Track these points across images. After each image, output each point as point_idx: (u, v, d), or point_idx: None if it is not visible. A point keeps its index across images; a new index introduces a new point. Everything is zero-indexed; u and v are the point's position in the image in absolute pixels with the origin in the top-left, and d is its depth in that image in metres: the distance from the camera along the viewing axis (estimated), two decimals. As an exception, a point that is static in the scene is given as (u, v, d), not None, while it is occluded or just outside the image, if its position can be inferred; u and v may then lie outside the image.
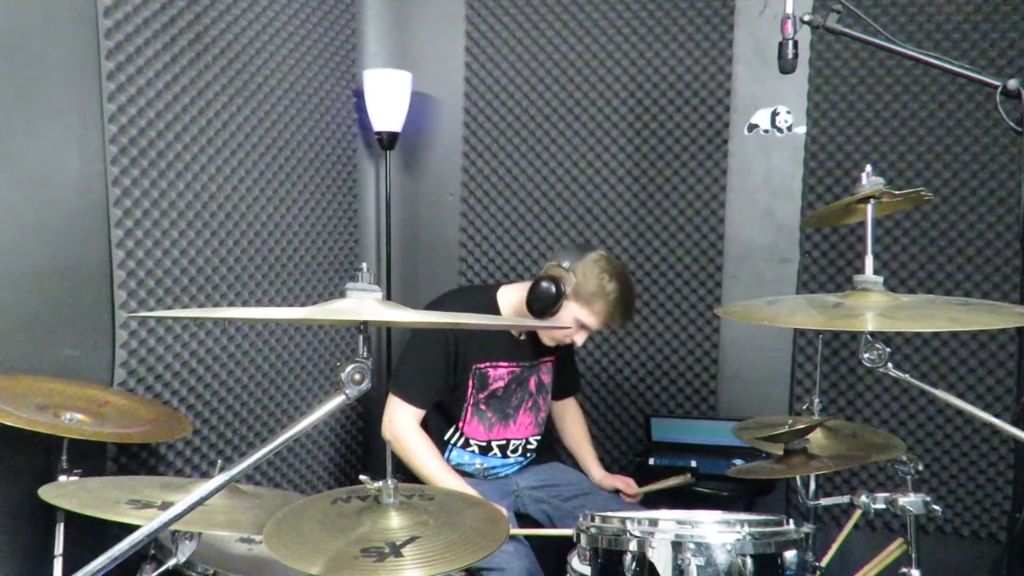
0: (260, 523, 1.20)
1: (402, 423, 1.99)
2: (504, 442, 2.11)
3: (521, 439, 2.13)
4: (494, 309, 2.04)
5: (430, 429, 2.08)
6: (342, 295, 1.02)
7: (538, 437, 2.18)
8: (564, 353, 2.22)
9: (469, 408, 2.05)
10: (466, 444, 2.09)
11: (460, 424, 2.06)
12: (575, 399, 2.38)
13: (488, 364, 2.02)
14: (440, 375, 1.99)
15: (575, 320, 1.93)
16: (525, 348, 2.06)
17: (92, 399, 1.67)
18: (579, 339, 2.00)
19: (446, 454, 2.08)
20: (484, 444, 2.09)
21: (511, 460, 2.14)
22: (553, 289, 1.88)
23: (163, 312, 0.93)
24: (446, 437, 2.09)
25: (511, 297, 2.05)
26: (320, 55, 2.48)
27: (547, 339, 2.03)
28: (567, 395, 2.33)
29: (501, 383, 2.05)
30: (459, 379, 2.02)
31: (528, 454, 2.17)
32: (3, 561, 1.64)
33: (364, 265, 1.02)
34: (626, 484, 2.16)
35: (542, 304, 1.90)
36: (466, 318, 1.19)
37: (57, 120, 1.73)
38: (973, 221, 2.34)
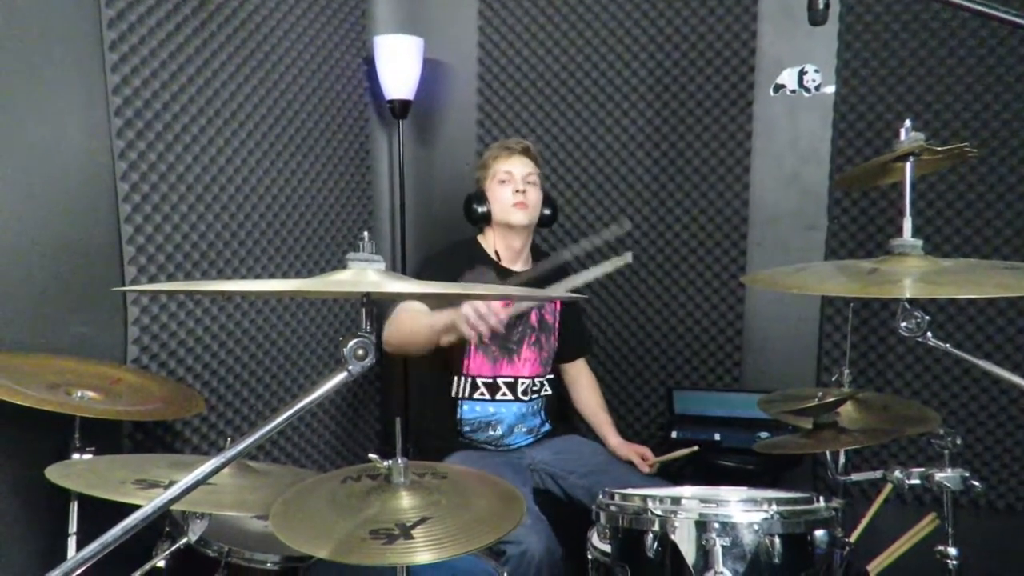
0: (268, 503, 1.17)
1: (396, 312, 2.05)
2: (512, 380, 2.11)
3: (528, 378, 2.13)
4: (480, 250, 2.18)
5: (436, 390, 2.08)
6: (343, 266, 0.97)
7: (545, 380, 2.17)
8: (569, 305, 2.25)
9: (472, 343, 2.04)
10: (474, 389, 2.08)
11: (464, 364, 2.07)
12: (587, 364, 2.34)
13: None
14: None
15: (498, 179, 2.12)
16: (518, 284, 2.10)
17: (104, 376, 1.65)
18: (519, 185, 2.10)
19: (457, 413, 2.07)
20: (490, 381, 2.08)
21: (525, 403, 2.12)
22: (472, 199, 2.14)
23: (155, 286, 0.90)
24: (453, 392, 2.08)
25: (485, 240, 2.20)
26: (329, 21, 2.41)
27: (513, 216, 2.10)
28: (577, 355, 2.30)
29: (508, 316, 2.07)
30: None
31: (538, 400, 2.15)
32: (19, 539, 1.64)
33: (365, 234, 0.96)
34: (642, 454, 2.11)
35: (475, 211, 2.14)
36: (471, 288, 1.14)
37: (59, 93, 1.69)
38: (1013, 183, 2.23)
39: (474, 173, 2.23)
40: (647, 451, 2.12)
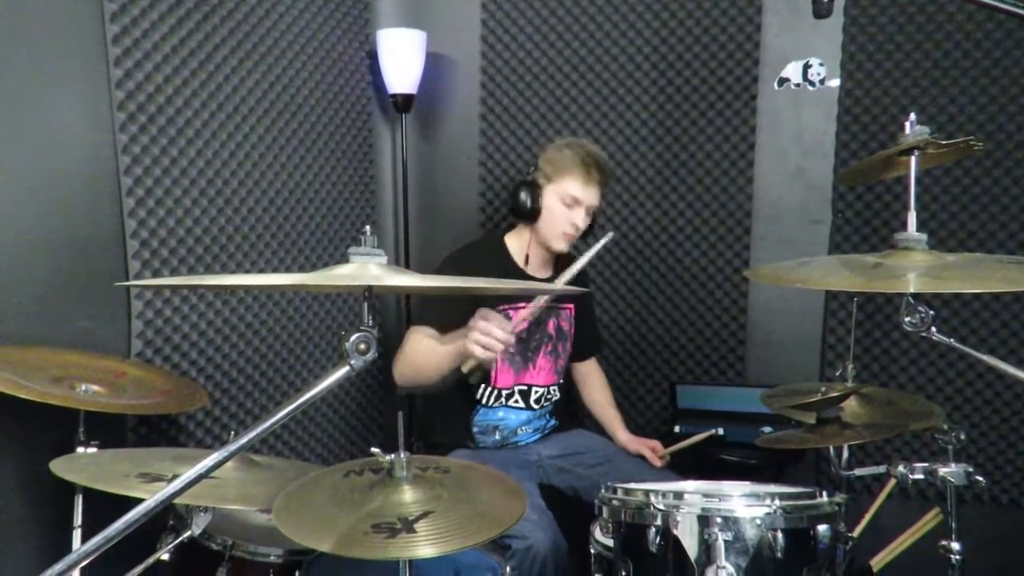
0: (272, 496, 1.18)
1: (404, 344, 1.93)
2: (526, 388, 2.09)
3: (542, 387, 2.11)
4: (504, 254, 2.07)
5: (460, 390, 2.05)
6: (346, 260, 0.97)
7: (557, 387, 2.16)
8: (582, 309, 2.21)
9: (488, 365, 2.00)
10: (496, 397, 2.07)
11: (492, 376, 2.04)
12: (597, 362, 2.33)
13: (509, 307, 2.02)
14: (460, 309, 1.86)
15: (562, 199, 1.97)
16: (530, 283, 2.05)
17: (108, 370, 1.65)
18: (579, 219, 1.99)
19: (473, 415, 2.06)
20: (508, 391, 2.07)
21: (535, 411, 2.11)
22: (525, 189, 1.98)
23: (159, 281, 0.90)
24: (477, 395, 2.06)
25: (516, 240, 2.09)
26: (332, 15, 2.41)
27: (555, 242, 2.02)
28: (588, 355, 2.30)
29: (524, 325, 2.03)
30: None
31: (548, 405, 2.14)
32: (24, 532, 1.64)
33: (367, 228, 0.96)
34: (652, 448, 2.11)
35: (523, 205, 1.98)
36: (477, 282, 1.14)
37: (62, 87, 1.69)
38: (1019, 177, 2.22)
39: (541, 167, 2.02)
40: (657, 444, 2.11)
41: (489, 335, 1.66)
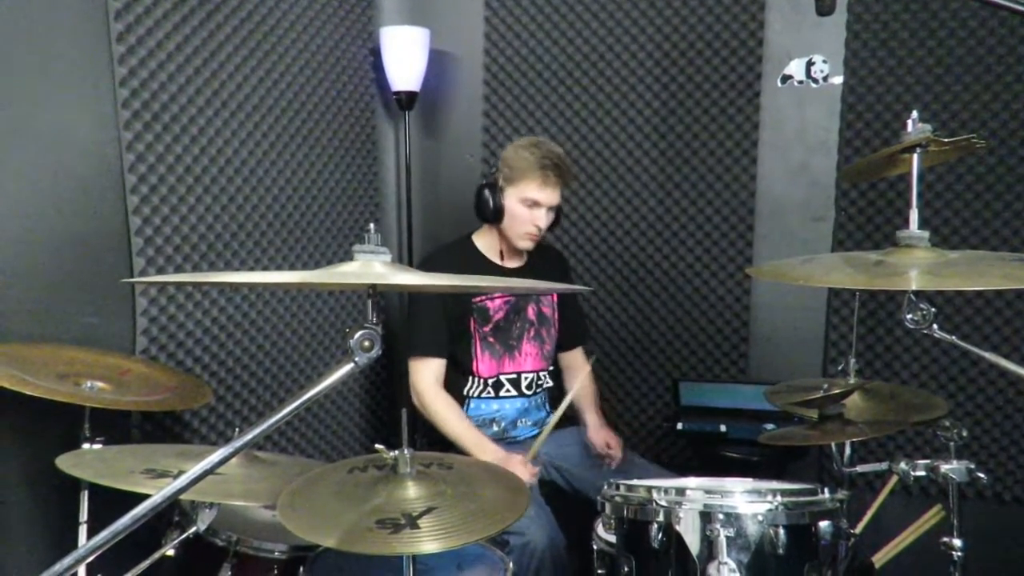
0: (276, 492, 1.18)
1: (424, 387, 2.03)
2: (515, 376, 2.12)
3: (531, 372, 2.14)
4: (474, 253, 2.13)
5: (448, 387, 2.08)
6: (350, 258, 0.97)
7: (547, 372, 2.19)
8: (566, 296, 2.25)
9: (477, 343, 2.08)
10: (483, 388, 2.09)
11: (473, 365, 2.08)
12: (584, 355, 2.30)
13: (484, 298, 2.08)
14: (443, 319, 2.04)
15: (522, 201, 2.01)
16: (516, 278, 2.08)
17: (113, 367, 1.66)
18: (540, 220, 2.03)
19: (464, 409, 2.08)
20: (495, 380, 2.09)
21: (529, 398, 2.13)
22: (487, 190, 2.03)
23: (163, 277, 0.91)
24: (464, 391, 2.10)
25: (485, 238, 2.15)
26: (336, 12, 2.41)
27: (520, 242, 2.06)
28: (572, 345, 2.29)
29: (501, 314, 2.10)
30: (463, 319, 2.05)
31: (541, 392, 2.17)
32: (30, 528, 1.65)
33: (371, 226, 0.97)
34: (609, 444, 2.09)
35: (485, 207, 2.04)
36: (473, 280, 1.15)
37: (67, 85, 1.70)
38: (1022, 174, 2.21)
39: (501, 168, 2.05)
40: (616, 442, 2.09)
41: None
